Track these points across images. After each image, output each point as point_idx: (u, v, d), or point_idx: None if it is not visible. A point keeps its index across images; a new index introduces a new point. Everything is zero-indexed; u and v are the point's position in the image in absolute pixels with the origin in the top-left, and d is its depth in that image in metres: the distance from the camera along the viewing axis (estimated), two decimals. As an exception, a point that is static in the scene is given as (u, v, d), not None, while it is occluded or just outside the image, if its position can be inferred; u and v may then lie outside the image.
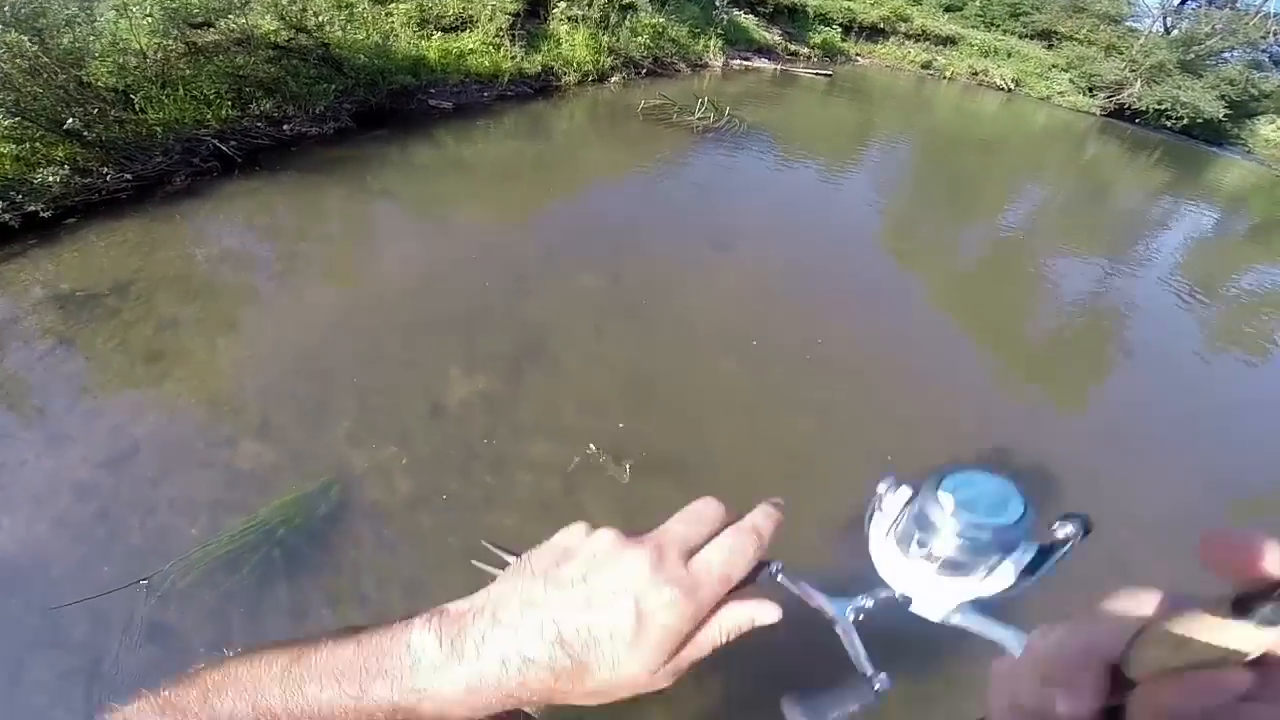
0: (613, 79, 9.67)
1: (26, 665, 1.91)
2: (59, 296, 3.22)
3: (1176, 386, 4.36)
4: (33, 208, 3.76)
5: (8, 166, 3.85)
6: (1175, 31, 20.50)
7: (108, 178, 4.21)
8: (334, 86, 5.43)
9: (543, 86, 8.40)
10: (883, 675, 0.38)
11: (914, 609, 0.40)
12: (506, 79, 7.67)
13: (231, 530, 2.26)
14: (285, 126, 5.14)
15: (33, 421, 2.60)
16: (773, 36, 15.29)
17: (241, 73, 4.91)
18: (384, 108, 5.90)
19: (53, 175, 3.93)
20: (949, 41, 19.85)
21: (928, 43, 19.61)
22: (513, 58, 7.95)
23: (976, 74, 19.05)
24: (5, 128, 3.93)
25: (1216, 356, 4.95)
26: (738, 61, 13.47)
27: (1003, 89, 18.73)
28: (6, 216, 3.62)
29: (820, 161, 7.77)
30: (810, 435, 3.09)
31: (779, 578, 0.43)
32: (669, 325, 3.72)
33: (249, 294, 3.41)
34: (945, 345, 4.24)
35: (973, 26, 21.02)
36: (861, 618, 0.42)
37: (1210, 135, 18.60)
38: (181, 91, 4.65)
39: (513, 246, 4.25)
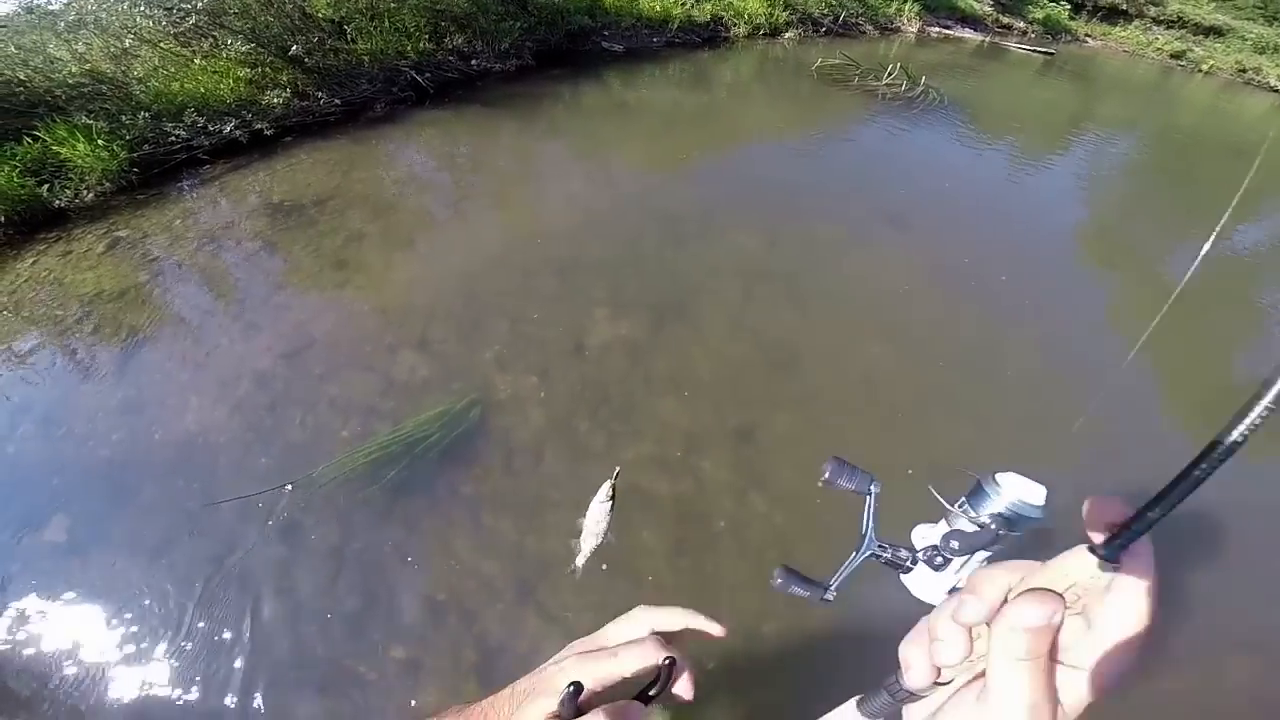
0: (787, 34, 9.07)
1: (169, 546, 2.07)
2: (270, 205, 3.60)
3: None
4: (259, 126, 4.24)
5: (242, 89, 4.34)
6: None
7: (321, 101, 4.65)
8: (519, 24, 5.57)
9: (710, 36, 8.11)
10: (834, 592, 0.51)
11: (908, 580, 0.48)
12: (675, 25, 7.47)
13: (379, 438, 2.37)
14: (473, 61, 5.37)
15: (232, 310, 2.93)
16: (983, 6, 13.55)
17: (439, 7, 5.16)
18: (562, 47, 5.99)
19: (277, 97, 4.40)
20: (1213, 32, 16.45)
21: (1183, 30, 16.38)
22: (683, 4, 7.71)
23: (1245, 70, 15.60)
24: (241, 53, 4.44)
25: None
26: (936, 29, 12.09)
27: (1278, 90, 15.23)
28: (238, 133, 4.10)
29: (1021, 145, 6.70)
30: (960, 444, 2.68)
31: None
32: (824, 299, 3.40)
33: (427, 218, 3.61)
34: (1128, 375, 3.41)
35: (1248, 19, 17.22)
36: (871, 554, 0.50)
37: None
38: (387, 24, 4.97)
39: (671, 196, 4.12)
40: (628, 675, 0.47)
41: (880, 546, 0.50)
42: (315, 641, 1.90)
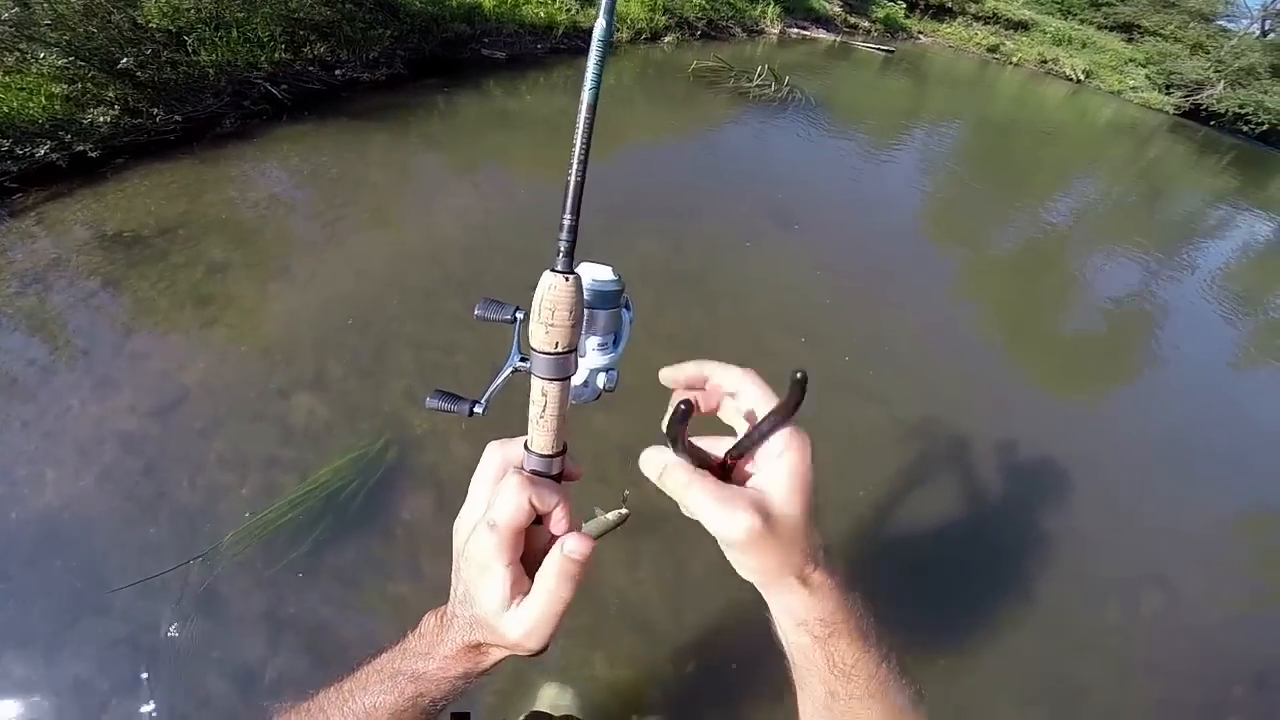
0: (666, 39, 9.36)
1: (68, 632, 1.85)
2: (104, 237, 3.17)
3: (1200, 395, 4.24)
4: (81, 147, 3.71)
5: (57, 107, 3.79)
6: (1273, 35, 19.24)
7: (157, 118, 4.15)
8: (389, 32, 5.29)
9: (594, 43, 8.17)
10: (483, 405, 0.57)
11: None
12: (560, 31, 7.45)
13: (288, 493, 2.18)
14: (338, 71, 5.03)
15: (78, 365, 2.54)
16: (833, 7, 14.72)
17: (295, 15, 4.79)
18: (438, 55, 5.76)
19: (103, 115, 3.88)
20: (1020, 26, 18.96)
21: (998, 25, 18.74)
22: (568, 10, 7.72)
23: (1045, 62, 18.16)
24: (57, 68, 3.88)
25: (1240, 370, 4.78)
26: (795, 30, 12.98)
27: (1071, 79, 17.83)
28: (54, 156, 3.57)
29: (873, 139, 7.47)
30: (874, 426, 2.93)
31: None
32: (729, 299, 3.59)
33: (300, 241, 3.32)
34: (975, 333, 4.18)
35: (1048, 13, 20.02)
36: (513, 369, 0.57)
37: (1290, 143, 17.53)
38: (235, 33, 4.54)
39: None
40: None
41: (522, 359, 0.55)
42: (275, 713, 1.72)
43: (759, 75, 7.69)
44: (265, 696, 1.81)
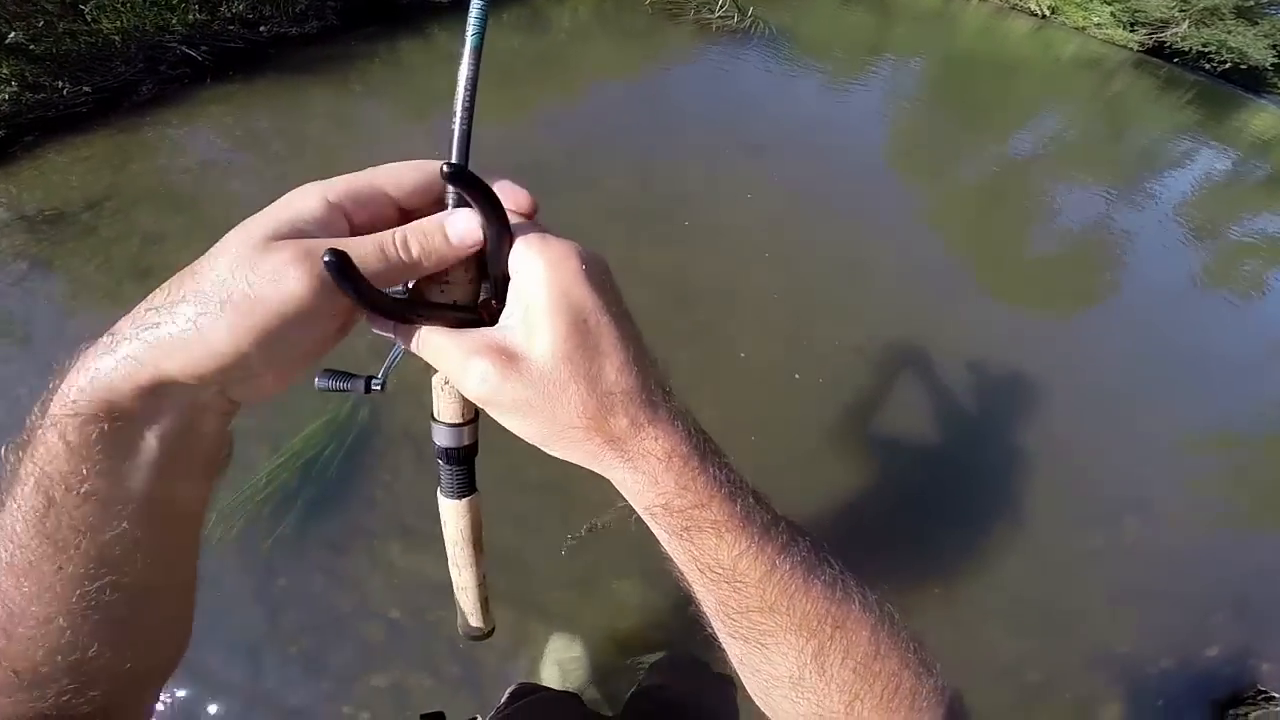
0: (616, -28, 8.95)
1: None
2: (25, 218, 2.95)
3: (1165, 317, 4.34)
4: (-19, 127, 3.44)
5: (-54, 86, 3.49)
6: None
7: (64, 91, 3.85)
8: (311, -20, 4.95)
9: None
10: (379, 382, 0.49)
11: None
12: (507, -31, 7.06)
13: (266, 468, 2.09)
14: (262, 28, 4.70)
15: (19, 353, 2.40)
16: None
17: (206, -32, 4.44)
18: (373, 2, 5.40)
19: (1, 93, 3.59)
20: None
21: (962, -40, 18.32)
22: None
23: None
24: (-63, 47, 3.56)
25: (1203, 294, 4.90)
26: (750, -42, 12.53)
27: (1036, 15, 17.61)
28: (-48, 138, 3.30)
29: (839, 71, 7.38)
30: (857, 342, 2.99)
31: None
32: (704, 233, 3.53)
33: (240, 203, 3.10)
34: (945, 256, 4.21)
35: None
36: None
37: (1250, 82, 17.68)
38: (137, -4, 4.20)
39: (528, 147, 3.91)
40: (391, 191, 0.39)
41: None
42: (288, 694, 1.76)
43: (720, 6, 7.40)
44: (273, 677, 1.80)
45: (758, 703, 0.39)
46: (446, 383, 0.43)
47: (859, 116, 6.26)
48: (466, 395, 0.38)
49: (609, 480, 0.38)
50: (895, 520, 2.41)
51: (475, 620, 0.54)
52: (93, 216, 2.93)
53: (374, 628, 1.91)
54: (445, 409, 0.45)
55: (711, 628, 0.39)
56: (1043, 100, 9.66)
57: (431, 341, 0.38)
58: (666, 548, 0.38)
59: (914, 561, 2.30)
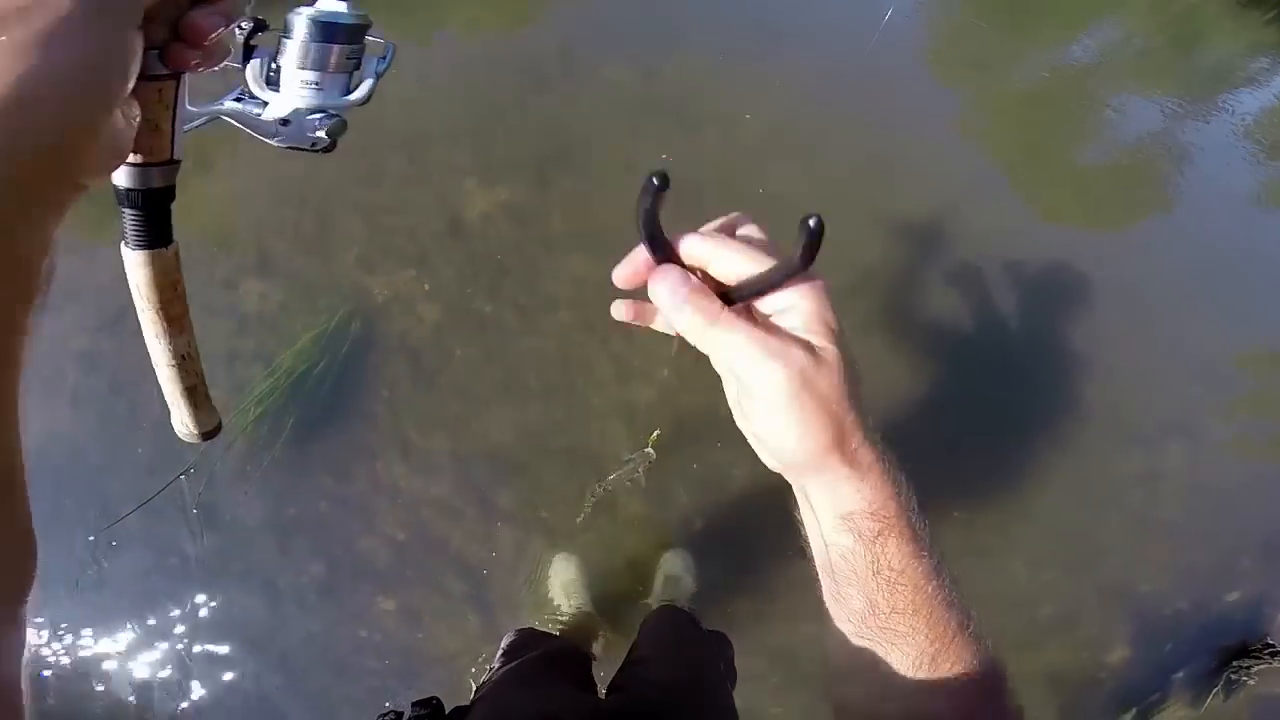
0: None
1: (101, 572, 1.94)
2: None
3: (1229, 233, 3.88)
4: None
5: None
6: None
7: None
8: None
9: None
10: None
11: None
12: None
13: (257, 388, 2.08)
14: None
15: None
16: None
17: None
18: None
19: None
20: None
21: None
22: None
23: None
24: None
25: (1268, 213, 4.38)
26: None
27: None
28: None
29: None
30: (875, 250, 2.74)
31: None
32: (715, 124, 3.24)
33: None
34: (988, 162, 3.77)
35: None
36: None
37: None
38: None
39: (519, 44, 3.64)
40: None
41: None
42: (302, 621, 1.86)
43: None
44: (291, 605, 1.89)
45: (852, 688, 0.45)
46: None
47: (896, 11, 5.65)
48: (758, 386, 0.38)
49: (792, 491, 0.44)
50: (921, 434, 2.27)
51: (181, 415, 0.49)
52: None
53: (382, 551, 1.95)
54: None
55: (833, 623, 0.44)
56: (1100, 9, 8.56)
57: (737, 326, 0.38)
58: (840, 554, 0.41)
59: (939, 480, 2.14)
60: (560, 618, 1.77)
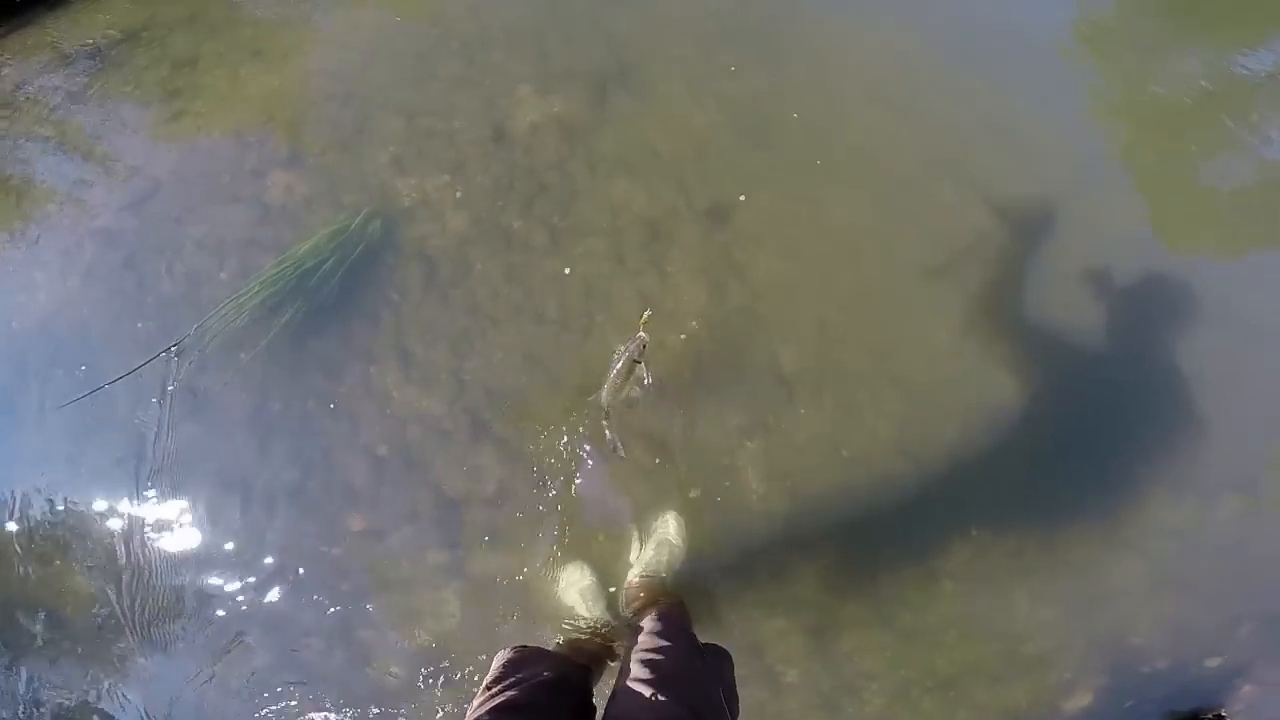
0: None
1: (80, 447, 1.97)
2: (65, 56, 2.98)
3: None
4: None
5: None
6: None
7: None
8: None
9: None
10: None
11: None
12: None
13: (261, 275, 2.02)
14: None
15: (49, 175, 2.52)
16: None
17: None
18: None
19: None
20: None
21: None
22: None
23: None
24: None
25: None
26: None
27: None
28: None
29: None
30: (974, 222, 2.30)
31: None
32: (807, 59, 2.86)
33: (275, 22, 2.97)
34: (1112, 158, 3.11)
35: None
36: None
37: None
38: None
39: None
40: None
41: None
42: (267, 527, 1.82)
43: None
44: (262, 508, 1.84)
45: None
46: None
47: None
48: None
49: None
50: (963, 437, 1.94)
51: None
52: (127, 49, 2.85)
53: (360, 465, 1.83)
54: None
55: None
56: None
57: None
58: None
59: (964, 489, 1.89)
60: (580, 626, 1.67)
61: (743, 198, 2.18)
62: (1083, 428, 2.05)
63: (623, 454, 1.75)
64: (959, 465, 1.89)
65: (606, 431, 1.73)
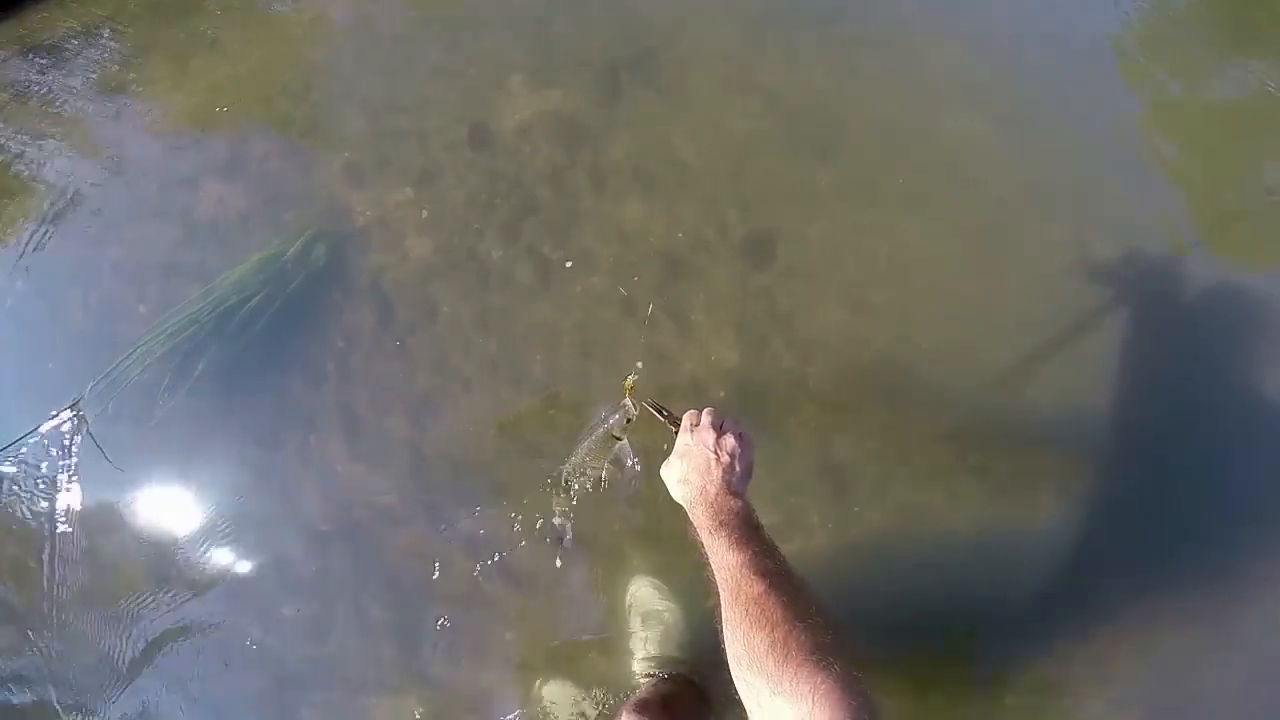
0: None
1: None
2: (30, 50, 2.68)
3: None
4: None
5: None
6: None
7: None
8: None
9: None
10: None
11: None
12: None
13: (177, 317, 1.70)
14: None
15: None
16: None
17: None
18: None
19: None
20: None
21: None
22: None
23: None
24: None
25: None
26: None
27: None
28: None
29: None
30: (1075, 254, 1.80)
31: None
32: (876, 53, 2.32)
33: (240, 8, 2.63)
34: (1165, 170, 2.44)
35: None
36: None
37: None
38: None
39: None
40: None
41: None
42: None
43: None
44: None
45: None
46: None
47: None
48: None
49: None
50: (998, 488, 1.48)
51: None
52: (81, 43, 2.52)
53: (295, 546, 1.50)
54: None
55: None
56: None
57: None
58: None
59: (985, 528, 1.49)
60: (649, 670, 1.36)
61: (792, 227, 1.74)
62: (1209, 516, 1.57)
63: (569, 545, 1.43)
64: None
65: (555, 514, 1.43)
